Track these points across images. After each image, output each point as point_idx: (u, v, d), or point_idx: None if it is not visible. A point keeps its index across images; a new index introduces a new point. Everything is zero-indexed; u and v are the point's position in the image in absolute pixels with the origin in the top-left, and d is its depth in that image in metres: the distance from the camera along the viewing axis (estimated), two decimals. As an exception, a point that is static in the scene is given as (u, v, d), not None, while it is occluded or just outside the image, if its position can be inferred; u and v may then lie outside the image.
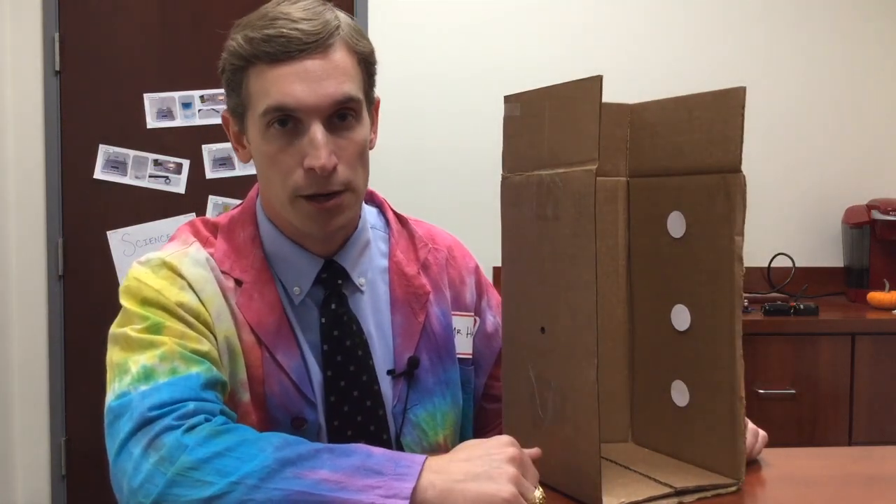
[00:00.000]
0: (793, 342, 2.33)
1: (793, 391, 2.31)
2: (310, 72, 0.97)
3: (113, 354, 0.96)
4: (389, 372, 1.10)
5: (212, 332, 1.00)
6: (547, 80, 0.95)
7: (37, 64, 2.76)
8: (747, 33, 2.87)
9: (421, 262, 1.16)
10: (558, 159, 0.91)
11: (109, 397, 0.92)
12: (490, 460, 0.84)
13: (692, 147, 0.98)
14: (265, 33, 0.97)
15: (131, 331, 0.96)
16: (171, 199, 2.81)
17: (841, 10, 2.89)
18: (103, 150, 2.79)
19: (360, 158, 1.03)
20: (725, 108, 0.93)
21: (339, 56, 0.99)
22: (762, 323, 2.34)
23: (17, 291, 2.78)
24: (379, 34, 2.75)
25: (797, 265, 2.76)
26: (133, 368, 0.92)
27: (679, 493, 0.92)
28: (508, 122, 1.00)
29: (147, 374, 0.91)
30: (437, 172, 2.82)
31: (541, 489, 0.86)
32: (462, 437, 1.17)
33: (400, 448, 1.09)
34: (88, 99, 2.78)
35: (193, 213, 2.77)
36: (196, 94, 2.78)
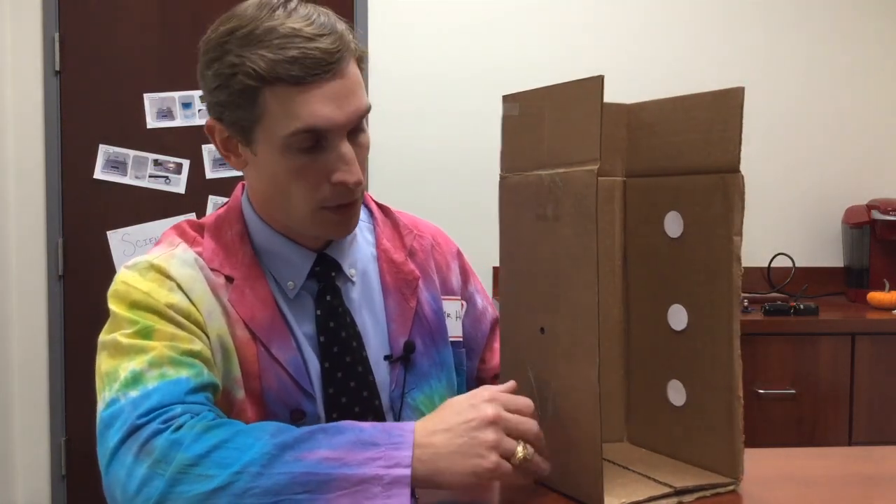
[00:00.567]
0: (793, 342, 2.33)
1: (793, 391, 2.31)
2: (337, 92, 0.97)
3: (102, 362, 0.95)
4: (387, 357, 1.11)
5: (203, 332, 1.00)
6: (547, 80, 0.95)
7: (37, 64, 2.76)
8: (747, 33, 2.87)
9: (407, 248, 1.18)
10: (558, 159, 0.91)
11: (100, 407, 0.91)
12: (468, 428, 0.85)
13: (690, 147, 0.98)
14: (288, 55, 0.94)
15: (121, 336, 0.95)
16: (171, 199, 2.81)
17: (841, 10, 2.89)
18: (103, 150, 2.80)
19: (366, 160, 1.06)
20: (724, 108, 0.93)
21: (353, 69, 0.99)
22: (762, 323, 2.33)
23: (17, 291, 2.79)
24: (378, 34, 2.74)
25: (797, 265, 2.76)
26: (122, 375, 0.91)
27: (679, 492, 0.92)
28: (507, 121, 1.00)
29: (136, 379, 0.91)
30: (436, 172, 2.82)
31: (523, 444, 0.87)
32: None
33: None
34: (88, 99, 2.78)
35: (193, 213, 2.77)
36: (196, 94, 2.77)
